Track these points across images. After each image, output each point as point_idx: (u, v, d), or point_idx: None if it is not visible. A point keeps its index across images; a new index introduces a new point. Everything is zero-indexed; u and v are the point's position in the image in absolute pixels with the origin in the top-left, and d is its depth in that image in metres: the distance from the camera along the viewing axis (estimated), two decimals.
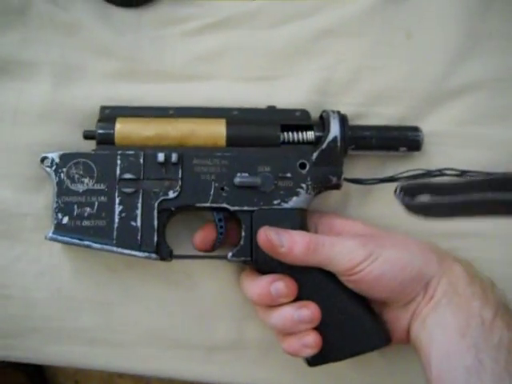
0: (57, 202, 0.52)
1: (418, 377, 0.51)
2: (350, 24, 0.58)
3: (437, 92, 0.58)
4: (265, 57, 0.59)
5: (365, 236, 0.52)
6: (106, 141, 0.53)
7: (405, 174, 0.56)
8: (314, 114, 0.56)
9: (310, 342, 0.50)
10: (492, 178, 0.33)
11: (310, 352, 0.51)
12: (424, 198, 0.36)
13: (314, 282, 0.52)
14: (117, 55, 0.58)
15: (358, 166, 0.58)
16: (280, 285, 0.50)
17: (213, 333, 0.59)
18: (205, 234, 0.55)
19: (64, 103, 0.57)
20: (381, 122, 0.58)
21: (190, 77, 0.58)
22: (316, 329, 0.51)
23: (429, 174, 0.56)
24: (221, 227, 0.54)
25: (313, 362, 0.53)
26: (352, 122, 0.56)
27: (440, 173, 0.56)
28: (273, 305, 0.51)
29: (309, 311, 0.50)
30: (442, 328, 0.47)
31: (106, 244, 0.52)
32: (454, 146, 0.58)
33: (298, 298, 0.51)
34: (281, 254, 0.50)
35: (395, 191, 0.38)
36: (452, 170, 0.55)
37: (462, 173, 0.55)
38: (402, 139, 0.56)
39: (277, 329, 0.52)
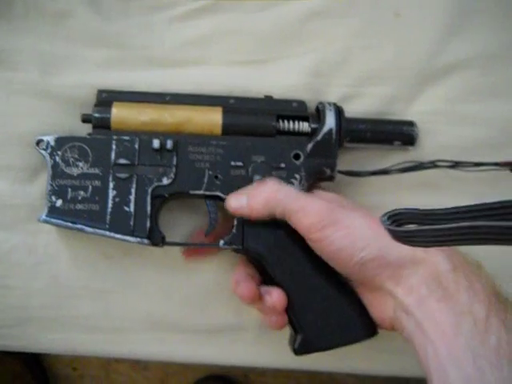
0: (51, 184, 0.52)
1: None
2: (338, 5, 0.58)
3: (427, 70, 0.58)
4: (254, 40, 0.58)
5: (336, 204, 0.51)
6: (101, 125, 0.53)
7: (398, 167, 0.56)
8: (306, 97, 0.56)
9: (272, 321, 0.52)
10: (484, 206, 0.33)
11: (276, 328, 0.53)
12: (411, 227, 0.36)
13: (299, 268, 0.52)
14: (106, 43, 0.57)
15: (349, 158, 0.58)
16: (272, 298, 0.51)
17: (211, 316, 0.59)
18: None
19: (54, 92, 0.57)
20: (372, 102, 0.58)
21: (180, 62, 0.58)
22: (303, 317, 0.52)
23: (421, 166, 0.56)
24: (214, 214, 0.54)
25: (298, 351, 0.53)
26: (343, 103, 0.56)
27: (433, 165, 0.56)
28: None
29: (270, 300, 0.51)
30: (434, 325, 0.45)
31: (98, 228, 0.52)
32: (445, 124, 0.58)
33: (280, 284, 0.52)
34: (244, 206, 0.51)
35: (381, 218, 0.38)
36: (444, 161, 0.56)
37: (455, 164, 0.55)
38: (397, 133, 0.56)
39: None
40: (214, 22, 0.58)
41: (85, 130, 0.54)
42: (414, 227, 0.36)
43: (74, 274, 0.58)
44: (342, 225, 0.48)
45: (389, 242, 0.45)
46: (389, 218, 0.37)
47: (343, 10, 0.58)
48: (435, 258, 0.47)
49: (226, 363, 0.61)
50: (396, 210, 0.37)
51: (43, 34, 0.57)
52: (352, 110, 0.57)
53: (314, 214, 0.48)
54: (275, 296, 0.51)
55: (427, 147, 0.58)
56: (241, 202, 0.51)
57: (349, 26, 0.58)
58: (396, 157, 0.58)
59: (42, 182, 0.56)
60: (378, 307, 0.51)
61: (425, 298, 0.46)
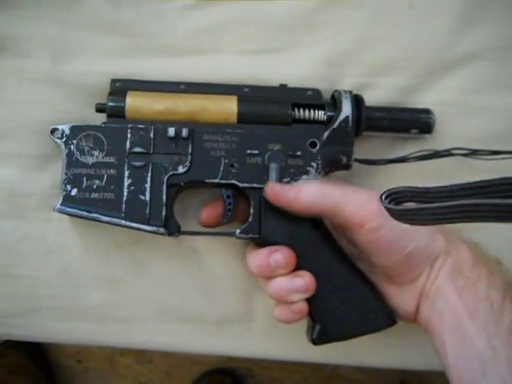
0: (66, 173, 0.52)
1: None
2: None
3: (440, 61, 0.58)
4: (266, 29, 0.58)
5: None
6: (116, 114, 0.52)
7: (414, 155, 0.56)
8: (318, 86, 0.56)
9: (296, 309, 0.51)
10: (483, 184, 0.33)
11: (296, 318, 0.51)
12: (410, 206, 0.36)
13: (317, 258, 0.52)
14: (117, 30, 0.57)
15: (363, 146, 0.58)
16: (278, 255, 0.51)
17: (222, 306, 0.59)
18: (211, 210, 0.55)
19: (65, 80, 0.56)
20: (385, 93, 0.58)
21: (191, 51, 0.58)
22: (322, 307, 0.52)
23: (437, 154, 0.56)
24: (229, 204, 0.54)
25: (317, 340, 0.53)
26: (358, 92, 0.55)
27: (449, 153, 0.56)
28: (272, 276, 0.51)
29: (303, 280, 0.50)
30: (451, 311, 0.47)
31: (114, 217, 0.51)
32: (458, 114, 0.58)
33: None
34: (288, 202, 0.51)
35: (381, 197, 0.37)
36: (461, 149, 0.56)
37: (472, 152, 0.55)
38: (414, 121, 0.56)
39: (274, 298, 0.52)
40: (226, 10, 0.58)
41: (97, 117, 0.54)
42: (412, 205, 0.36)
43: (84, 264, 0.58)
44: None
45: (427, 233, 0.48)
46: (387, 196, 0.37)
47: None
48: (461, 249, 0.49)
49: (234, 354, 0.62)
50: (394, 188, 0.38)
51: (54, 22, 0.57)
52: (365, 100, 0.56)
53: (369, 205, 0.48)
54: (307, 277, 0.51)
55: (440, 138, 0.58)
56: (288, 193, 0.51)
57: (362, 15, 0.58)
58: (411, 147, 0.58)
59: (53, 170, 0.56)
60: (406, 300, 0.51)
61: (446, 286, 0.48)
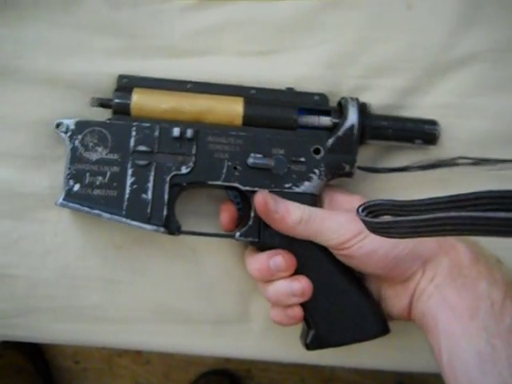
0: (69, 168, 0.52)
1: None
2: None
3: (439, 63, 0.58)
4: (265, 31, 0.57)
5: None
6: (122, 111, 0.52)
7: (417, 164, 0.56)
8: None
9: (291, 313, 0.52)
10: (459, 197, 0.33)
11: (291, 323, 0.52)
12: (386, 218, 0.36)
13: (315, 263, 0.52)
14: (114, 31, 0.57)
15: (365, 153, 0.58)
16: (279, 259, 0.51)
17: (219, 307, 0.59)
18: (228, 215, 0.55)
19: (62, 81, 0.56)
20: (383, 95, 0.57)
21: (190, 52, 0.57)
22: (317, 313, 0.52)
23: (442, 163, 0.56)
24: (238, 203, 0.54)
25: (310, 345, 0.53)
26: (355, 96, 0.55)
27: (454, 162, 0.56)
28: (271, 279, 0.52)
29: (300, 284, 0.51)
30: (449, 309, 0.47)
31: (115, 214, 0.51)
32: (457, 117, 0.58)
33: None
34: (274, 219, 0.51)
35: (358, 210, 0.38)
36: (467, 158, 0.56)
37: (479, 161, 0.55)
38: (419, 132, 0.55)
39: (271, 301, 0.53)
40: (225, 11, 0.57)
41: (95, 117, 0.54)
42: (389, 218, 0.36)
43: (82, 264, 0.58)
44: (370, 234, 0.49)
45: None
46: (364, 209, 0.38)
47: (354, 1, 0.57)
48: (458, 248, 0.49)
49: (231, 355, 0.62)
50: (372, 201, 0.38)
51: (52, 23, 0.56)
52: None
53: (348, 226, 0.49)
54: (304, 281, 0.51)
55: (439, 140, 0.57)
56: (277, 206, 0.51)
57: (360, 17, 0.57)
58: (411, 151, 0.57)
59: (51, 170, 0.56)
60: (400, 298, 0.51)
61: (444, 285, 0.48)
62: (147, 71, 0.56)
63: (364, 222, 0.37)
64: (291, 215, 0.50)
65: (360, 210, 0.38)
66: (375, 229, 0.36)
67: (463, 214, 0.32)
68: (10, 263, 0.57)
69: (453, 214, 0.32)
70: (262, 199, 0.51)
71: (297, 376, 1.26)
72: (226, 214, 0.55)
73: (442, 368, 0.47)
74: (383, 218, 0.37)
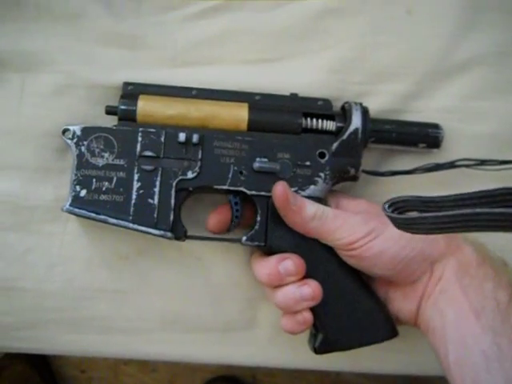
0: (76, 174, 0.52)
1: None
2: (351, 2, 0.58)
3: (440, 67, 0.58)
4: (267, 39, 0.58)
5: (369, 214, 0.52)
6: (127, 117, 0.53)
7: (422, 167, 0.56)
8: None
9: (301, 319, 0.51)
10: (484, 194, 0.34)
11: (301, 329, 0.52)
12: (412, 215, 0.37)
13: (322, 267, 0.52)
14: (118, 42, 0.57)
15: (368, 156, 0.58)
16: (288, 263, 0.51)
17: (226, 314, 0.59)
18: (218, 216, 0.55)
19: (67, 93, 0.56)
20: (386, 100, 0.58)
21: (193, 62, 0.57)
22: (325, 316, 0.52)
23: (445, 165, 0.56)
24: (236, 211, 0.54)
25: (319, 349, 0.53)
26: (358, 101, 0.56)
27: (457, 164, 0.56)
28: (281, 284, 0.52)
29: (310, 288, 0.51)
30: (455, 309, 0.48)
31: (122, 219, 0.52)
32: (459, 121, 0.58)
33: None
34: (291, 211, 0.51)
35: (384, 206, 0.38)
36: (469, 160, 0.56)
37: (480, 163, 0.55)
38: (422, 135, 0.56)
39: (280, 307, 0.52)
40: (226, 21, 0.58)
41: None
42: (414, 214, 0.36)
43: (89, 276, 0.58)
44: (378, 231, 0.50)
45: (420, 238, 0.48)
46: (390, 205, 0.38)
47: (355, 7, 0.58)
48: (465, 250, 0.49)
49: (238, 363, 0.61)
50: (397, 197, 0.38)
51: (54, 35, 0.56)
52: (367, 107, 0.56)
53: (350, 232, 0.50)
54: (314, 285, 0.51)
55: (442, 144, 0.57)
56: (295, 199, 0.51)
57: (361, 23, 0.58)
58: (414, 154, 0.58)
59: (56, 183, 0.57)
60: (408, 300, 0.52)
61: (452, 285, 0.48)
62: (151, 81, 0.56)
63: (390, 218, 0.37)
64: (307, 209, 0.51)
65: (386, 206, 0.38)
66: (401, 225, 0.37)
67: (489, 210, 0.32)
68: (17, 276, 0.57)
69: (479, 210, 0.32)
70: (283, 189, 0.51)
71: (303, 381, 1.25)
72: (215, 216, 0.55)
73: (447, 369, 0.48)
74: (409, 214, 0.37)
